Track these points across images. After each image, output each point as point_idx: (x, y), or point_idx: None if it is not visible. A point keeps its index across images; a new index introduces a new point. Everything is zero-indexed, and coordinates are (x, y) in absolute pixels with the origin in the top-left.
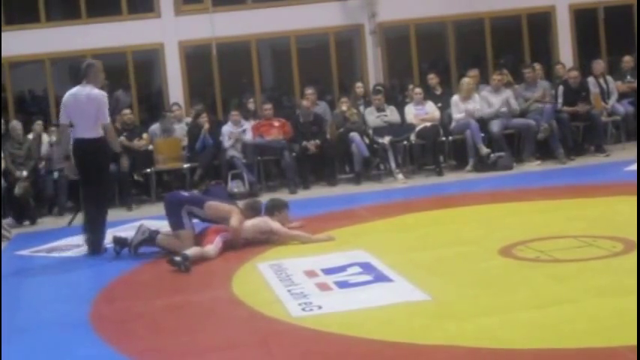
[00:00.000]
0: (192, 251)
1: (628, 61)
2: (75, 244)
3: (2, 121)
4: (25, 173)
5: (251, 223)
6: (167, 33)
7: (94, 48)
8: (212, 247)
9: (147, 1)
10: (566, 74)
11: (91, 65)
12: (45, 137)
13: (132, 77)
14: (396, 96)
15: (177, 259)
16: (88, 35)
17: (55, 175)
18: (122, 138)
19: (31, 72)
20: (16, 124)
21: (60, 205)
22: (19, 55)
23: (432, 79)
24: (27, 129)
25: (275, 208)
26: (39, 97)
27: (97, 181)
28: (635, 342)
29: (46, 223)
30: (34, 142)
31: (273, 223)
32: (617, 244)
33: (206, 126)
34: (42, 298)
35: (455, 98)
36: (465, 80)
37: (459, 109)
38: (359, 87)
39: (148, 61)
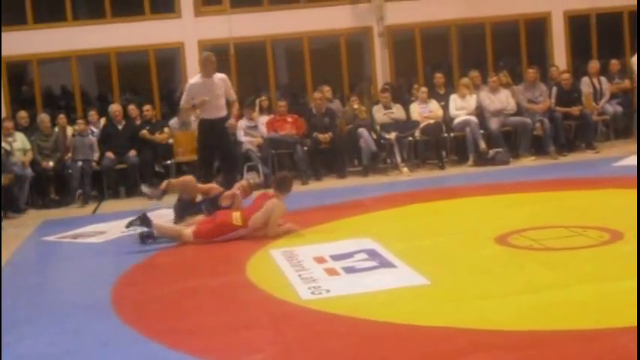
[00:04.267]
0: (166, 228)
1: (615, 64)
2: (99, 231)
3: (28, 114)
4: (51, 164)
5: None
6: (187, 33)
7: (117, 46)
8: (190, 228)
9: (168, 2)
10: (559, 76)
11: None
12: (69, 129)
13: (153, 74)
14: (402, 94)
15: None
16: (112, 34)
17: (80, 164)
18: (144, 132)
19: (58, 68)
20: (44, 117)
21: (85, 194)
22: (47, 53)
23: (439, 78)
24: (54, 122)
25: (285, 185)
26: (66, 92)
27: None
28: (620, 324)
29: (72, 211)
30: (60, 134)
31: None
32: (605, 234)
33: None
34: (66, 281)
35: (453, 96)
36: (463, 80)
37: (456, 105)
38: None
39: (168, 59)
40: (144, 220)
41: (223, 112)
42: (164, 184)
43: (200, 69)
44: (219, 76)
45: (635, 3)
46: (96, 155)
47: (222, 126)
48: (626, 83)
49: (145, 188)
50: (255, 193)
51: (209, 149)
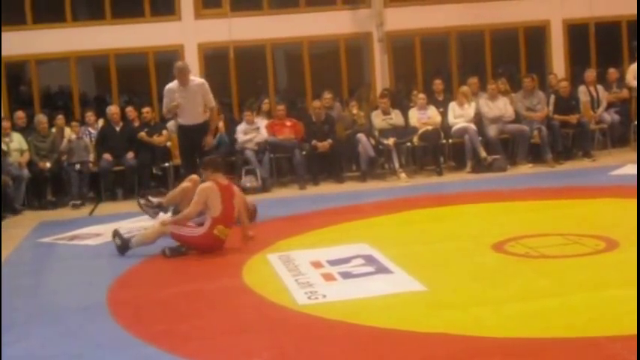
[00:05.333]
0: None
1: (613, 72)
2: (95, 233)
3: (25, 115)
4: (48, 165)
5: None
6: (187, 35)
7: (117, 48)
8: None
9: (168, 5)
10: (557, 84)
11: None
12: (67, 131)
13: (152, 76)
14: (401, 100)
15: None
16: (111, 35)
17: (78, 167)
18: (142, 134)
19: (57, 69)
20: (41, 118)
21: (81, 196)
22: (45, 53)
23: (438, 84)
24: (52, 123)
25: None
26: (64, 93)
27: None
28: (616, 332)
29: (68, 213)
30: (58, 135)
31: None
32: (601, 242)
33: (220, 124)
34: (62, 283)
35: (452, 104)
36: (462, 88)
37: (455, 113)
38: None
39: (168, 62)
40: (122, 245)
41: (201, 119)
42: (159, 200)
43: (175, 77)
44: (197, 82)
45: (634, 12)
46: (91, 156)
47: (200, 132)
48: (624, 92)
49: (141, 201)
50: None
51: (189, 154)
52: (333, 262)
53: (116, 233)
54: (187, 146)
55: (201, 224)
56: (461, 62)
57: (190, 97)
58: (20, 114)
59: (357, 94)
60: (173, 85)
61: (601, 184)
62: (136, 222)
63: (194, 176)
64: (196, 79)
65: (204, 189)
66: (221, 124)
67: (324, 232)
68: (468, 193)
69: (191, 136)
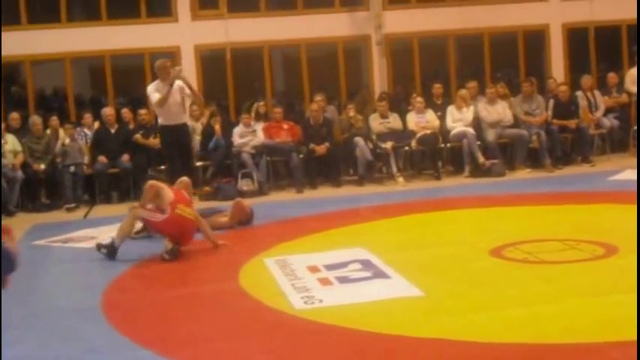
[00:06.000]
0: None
1: (613, 77)
2: (90, 236)
3: (20, 116)
4: (42, 167)
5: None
6: (184, 37)
7: (113, 49)
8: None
9: (165, 6)
10: (556, 89)
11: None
12: (62, 133)
13: (149, 78)
14: (399, 104)
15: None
16: (107, 37)
17: (72, 169)
18: (138, 136)
19: (52, 70)
20: (35, 119)
21: (76, 199)
22: (40, 54)
23: (438, 88)
24: (46, 125)
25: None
26: (58, 94)
27: None
28: (613, 338)
29: (63, 215)
30: (52, 136)
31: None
32: (599, 248)
33: (217, 126)
34: (56, 286)
35: (450, 108)
36: (460, 92)
37: (453, 117)
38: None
39: None
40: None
41: (183, 119)
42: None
43: (157, 76)
44: (177, 83)
45: (634, 17)
46: (86, 159)
47: (182, 133)
48: (624, 97)
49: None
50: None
51: (173, 155)
52: (330, 267)
53: (99, 246)
54: (171, 148)
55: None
56: (459, 66)
57: (171, 97)
58: (14, 115)
59: (357, 97)
60: (155, 85)
61: (600, 189)
62: (112, 227)
63: (184, 178)
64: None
65: (152, 183)
66: (217, 127)
67: (321, 236)
68: (466, 198)
69: (174, 136)
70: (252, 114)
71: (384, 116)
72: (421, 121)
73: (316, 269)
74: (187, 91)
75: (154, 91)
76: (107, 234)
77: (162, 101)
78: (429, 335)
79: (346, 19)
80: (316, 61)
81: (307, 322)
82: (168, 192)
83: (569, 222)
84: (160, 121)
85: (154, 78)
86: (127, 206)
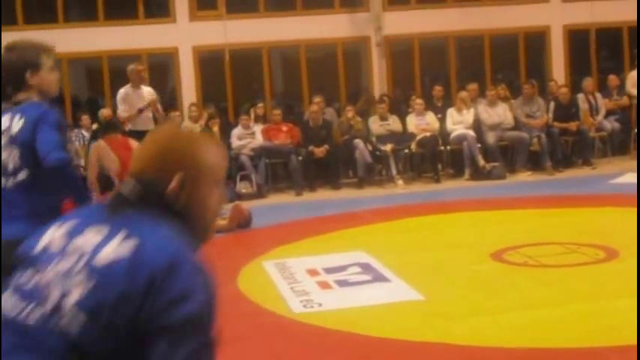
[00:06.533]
0: None
1: (614, 79)
2: None
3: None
4: None
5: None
6: (182, 38)
7: (110, 50)
8: None
9: (163, 6)
10: (557, 91)
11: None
12: None
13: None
14: (399, 106)
15: None
16: (105, 37)
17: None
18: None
19: None
20: None
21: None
22: None
23: (438, 91)
24: None
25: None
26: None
27: None
28: (614, 343)
29: None
30: None
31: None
32: (600, 251)
33: (215, 128)
34: None
35: (450, 110)
36: (461, 94)
37: (453, 120)
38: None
39: (162, 65)
40: None
41: (151, 125)
42: None
43: (128, 80)
44: (148, 89)
45: (635, 18)
46: (82, 161)
47: None
48: (625, 100)
49: None
50: None
51: None
52: (330, 270)
53: None
54: None
55: None
56: (460, 68)
57: (142, 102)
58: None
59: (362, 99)
60: (127, 89)
61: (601, 192)
62: None
63: None
64: (145, 87)
65: (92, 151)
66: (216, 129)
67: (320, 239)
68: (466, 201)
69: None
70: (252, 116)
71: (383, 118)
72: (421, 123)
73: (315, 272)
74: (158, 106)
75: (122, 102)
76: None
77: (128, 120)
78: (430, 339)
79: (346, 20)
80: (315, 63)
81: (306, 326)
82: (112, 157)
83: (570, 225)
84: (130, 126)
85: (152, 79)
86: None
